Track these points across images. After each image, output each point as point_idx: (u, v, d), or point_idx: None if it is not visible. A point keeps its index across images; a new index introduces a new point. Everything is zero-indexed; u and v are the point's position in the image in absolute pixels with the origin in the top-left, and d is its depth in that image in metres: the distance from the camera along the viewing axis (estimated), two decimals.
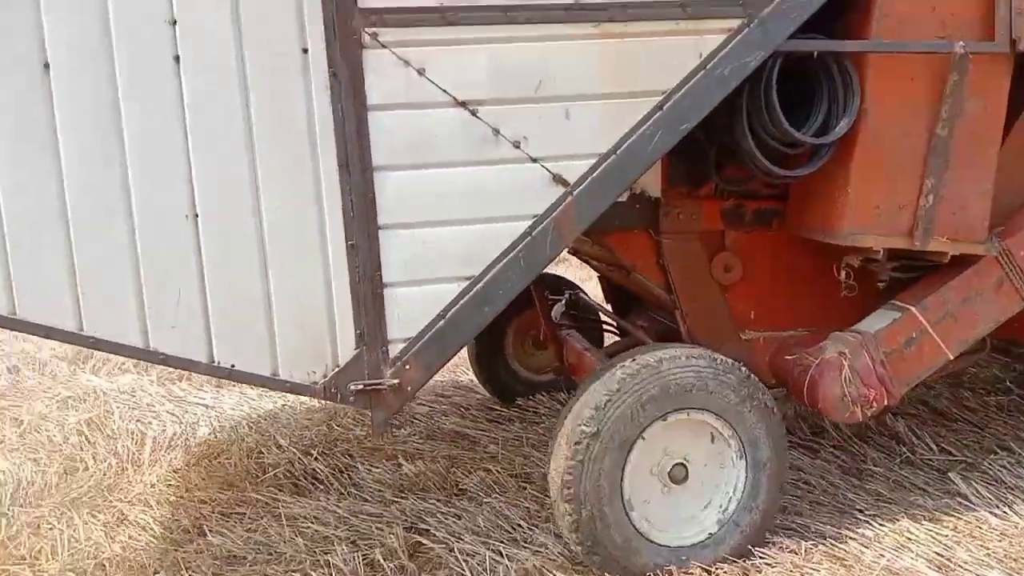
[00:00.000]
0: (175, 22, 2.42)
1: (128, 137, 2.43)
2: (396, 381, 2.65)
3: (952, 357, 3.11)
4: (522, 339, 4.74)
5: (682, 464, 2.90)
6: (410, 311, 2.64)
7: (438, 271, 2.63)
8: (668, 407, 2.79)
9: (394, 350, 2.65)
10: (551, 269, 4.31)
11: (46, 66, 2.36)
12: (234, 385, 5.02)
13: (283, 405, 4.84)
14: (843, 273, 3.15)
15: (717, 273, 3.35)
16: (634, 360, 2.83)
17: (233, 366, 2.59)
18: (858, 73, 2.84)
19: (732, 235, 3.36)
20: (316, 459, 3.96)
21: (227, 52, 2.45)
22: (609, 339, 4.54)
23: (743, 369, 2.89)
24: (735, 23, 2.66)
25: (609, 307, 4.52)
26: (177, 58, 2.43)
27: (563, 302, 4.46)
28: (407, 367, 2.66)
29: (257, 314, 2.57)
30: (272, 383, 2.64)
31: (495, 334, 4.62)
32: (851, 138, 2.87)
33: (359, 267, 2.58)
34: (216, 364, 2.58)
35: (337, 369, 2.64)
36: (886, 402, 3.06)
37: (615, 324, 4.35)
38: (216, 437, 4.40)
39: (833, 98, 2.86)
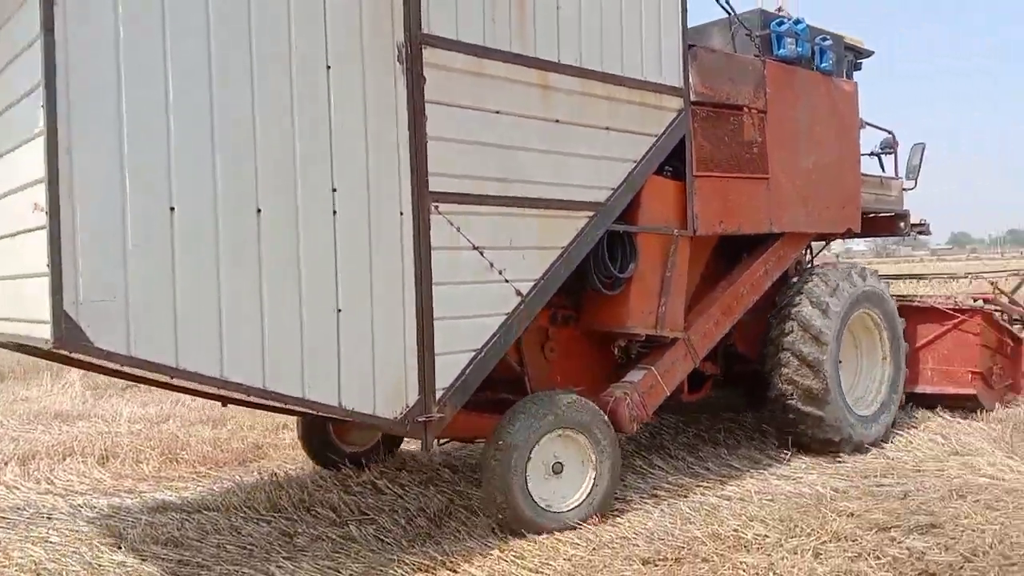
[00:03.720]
0: (335, 190, 3.93)
1: (304, 255, 3.83)
2: (441, 415, 4.30)
3: (669, 393, 5.74)
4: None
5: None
6: (448, 370, 4.34)
7: (463, 345, 4.40)
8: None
9: (439, 395, 4.30)
10: None
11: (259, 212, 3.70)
12: None
13: None
14: (616, 350, 5.63)
15: (546, 354, 5.55)
16: (534, 401, 4.84)
17: (353, 408, 4.00)
18: (637, 241, 5.38)
19: (551, 330, 5.61)
20: None
21: (363, 210, 4.02)
22: None
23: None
24: (591, 214, 5.01)
25: None
26: (335, 212, 3.93)
27: None
28: (445, 405, 4.33)
29: (367, 373, 4.05)
30: (371, 419, 4.09)
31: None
32: (634, 275, 5.38)
33: (424, 343, 4.23)
34: (343, 407, 3.96)
35: (408, 408, 4.20)
36: (646, 419, 5.53)
37: None
38: None
39: (627, 254, 5.34)
